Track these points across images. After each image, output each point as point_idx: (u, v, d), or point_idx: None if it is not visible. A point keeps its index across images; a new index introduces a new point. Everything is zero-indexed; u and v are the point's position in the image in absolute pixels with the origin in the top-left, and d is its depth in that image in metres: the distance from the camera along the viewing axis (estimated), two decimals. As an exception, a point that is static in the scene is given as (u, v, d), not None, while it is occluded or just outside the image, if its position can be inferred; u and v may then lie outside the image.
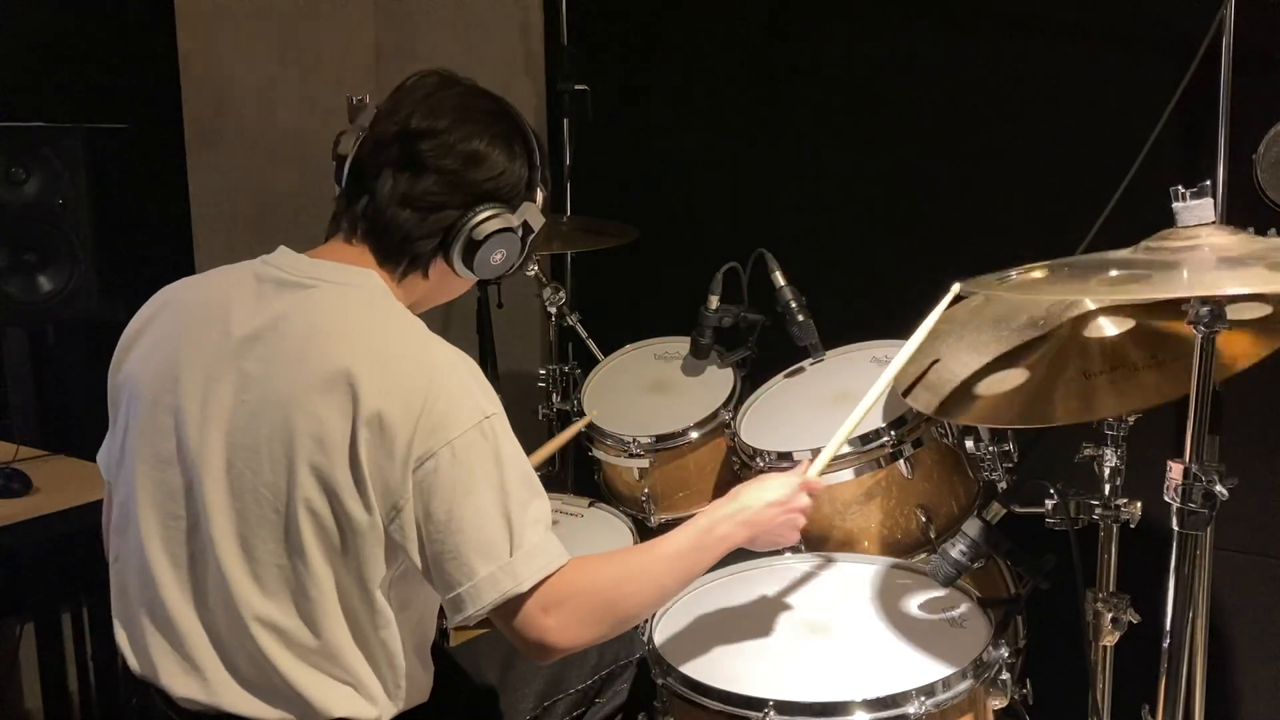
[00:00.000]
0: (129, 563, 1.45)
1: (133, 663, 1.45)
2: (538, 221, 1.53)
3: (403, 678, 1.44)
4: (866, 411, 1.73)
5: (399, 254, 1.46)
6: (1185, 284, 1.31)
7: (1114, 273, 1.37)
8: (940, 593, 1.82)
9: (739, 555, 2.12)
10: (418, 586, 1.42)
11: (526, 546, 1.34)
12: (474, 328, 2.98)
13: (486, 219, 1.46)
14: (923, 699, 1.55)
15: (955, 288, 1.75)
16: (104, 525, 1.56)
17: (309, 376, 1.33)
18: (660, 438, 2.27)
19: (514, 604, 1.35)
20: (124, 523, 1.46)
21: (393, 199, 1.44)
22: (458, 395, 1.34)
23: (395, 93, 1.50)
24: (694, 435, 2.26)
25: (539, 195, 1.54)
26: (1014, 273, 1.48)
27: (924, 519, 2.00)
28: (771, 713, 1.53)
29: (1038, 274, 1.46)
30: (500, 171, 1.47)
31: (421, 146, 1.43)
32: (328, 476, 1.32)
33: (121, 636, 1.47)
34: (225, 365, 1.38)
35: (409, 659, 1.44)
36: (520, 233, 1.51)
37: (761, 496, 1.61)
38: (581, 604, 1.39)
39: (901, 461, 1.97)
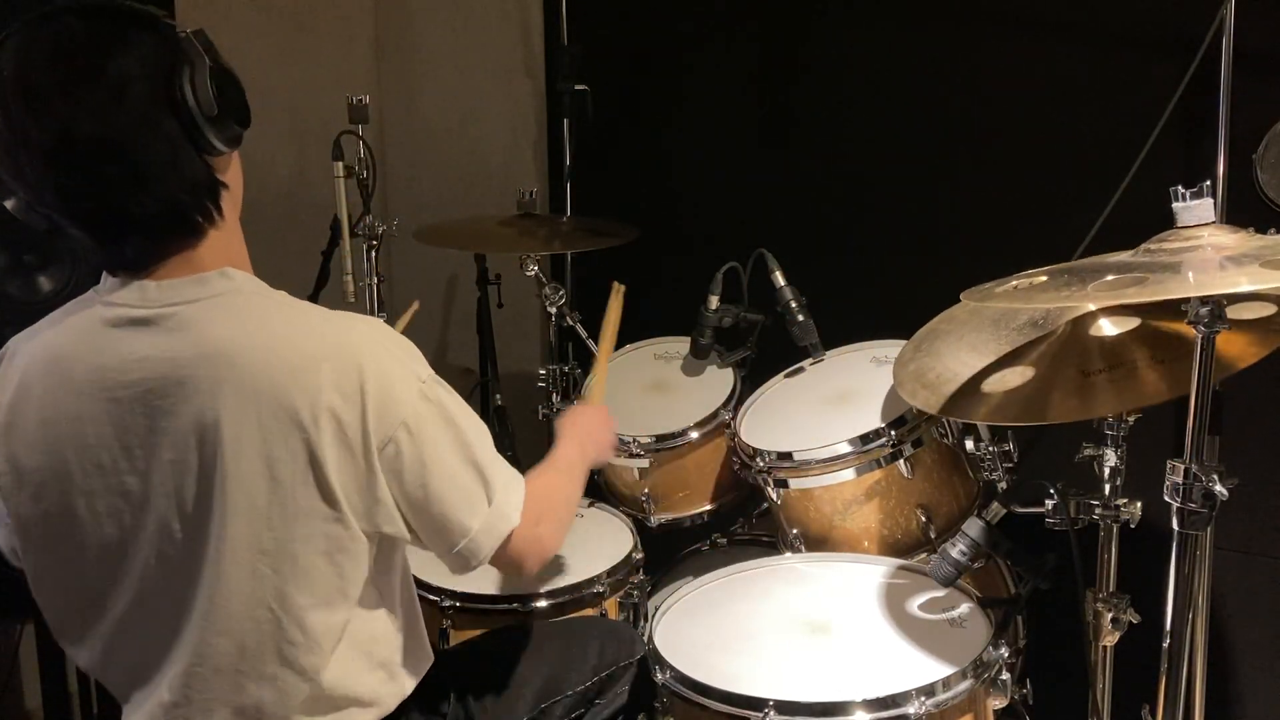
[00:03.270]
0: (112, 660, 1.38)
1: None
2: (205, 52, 1.28)
3: (398, 666, 1.45)
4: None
5: (198, 209, 1.30)
6: (1188, 285, 1.31)
7: (1111, 277, 1.37)
8: (940, 593, 1.82)
9: (739, 555, 2.12)
10: (387, 566, 1.42)
11: (501, 482, 1.40)
12: (474, 328, 2.98)
13: (192, 95, 1.25)
14: (923, 699, 1.55)
15: (618, 288, 2.11)
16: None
17: (242, 414, 1.26)
18: (660, 438, 2.27)
19: (510, 537, 1.41)
20: (92, 614, 1.36)
21: (129, 191, 1.24)
22: (391, 371, 1.31)
23: None
24: (694, 435, 2.26)
25: (175, 28, 1.29)
26: (1014, 281, 1.49)
27: (924, 519, 2.00)
28: (771, 713, 1.53)
29: (1037, 280, 1.46)
30: (142, 65, 1.23)
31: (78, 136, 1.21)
32: (296, 512, 1.29)
33: None
34: (134, 428, 1.28)
35: (401, 640, 1.45)
36: (210, 64, 1.28)
37: (591, 417, 1.83)
38: (554, 508, 1.53)
39: (901, 461, 1.97)
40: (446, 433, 1.35)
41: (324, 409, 1.26)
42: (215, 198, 1.32)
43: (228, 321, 1.29)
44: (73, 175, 1.23)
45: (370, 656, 1.40)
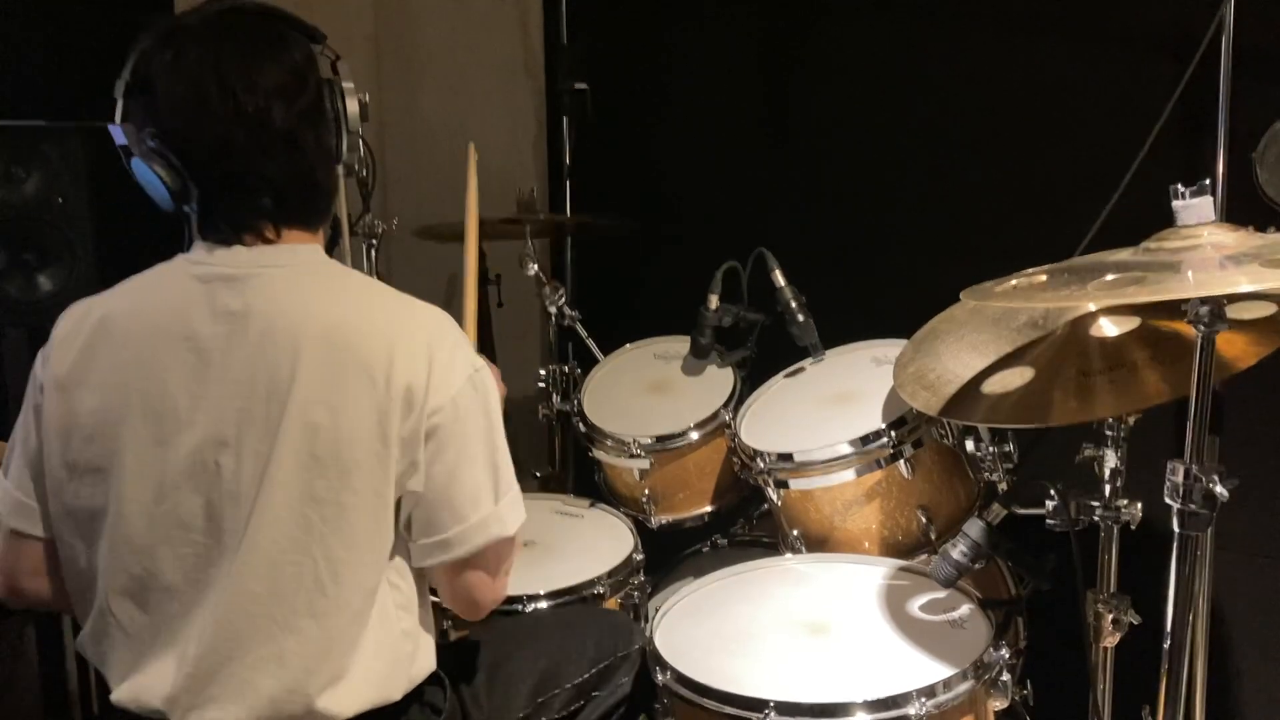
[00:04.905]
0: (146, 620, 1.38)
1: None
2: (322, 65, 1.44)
3: (414, 642, 1.47)
4: None
5: (327, 207, 1.47)
6: (1188, 284, 1.31)
7: (1111, 276, 1.37)
8: (941, 594, 1.81)
9: (739, 556, 2.12)
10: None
11: (512, 494, 1.45)
12: (474, 328, 2.98)
13: (343, 108, 1.44)
14: (923, 700, 1.55)
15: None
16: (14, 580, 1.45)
17: (315, 370, 1.33)
18: (660, 438, 2.27)
19: (495, 548, 1.43)
20: (139, 585, 1.38)
21: (288, 171, 1.39)
22: (453, 351, 1.41)
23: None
24: (694, 435, 2.26)
25: (321, 47, 1.45)
26: (1014, 281, 1.48)
27: (924, 520, 2.00)
28: (772, 713, 1.53)
29: (1037, 280, 1.46)
30: (300, 73, 1.39)
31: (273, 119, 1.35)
32: (353, 465, 1.35)
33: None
34: (204, 376, 1.35)
35: (418, 614, 1.48)
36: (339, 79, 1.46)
37: None
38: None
39: (902, 462, 1.97)
40: (481, 423, 1.42)
41: (397, 372, 1.34)
42: (333, 202, 1.45)
43: (312, 287, 1.39)
44: (254, 155, 1.35)
45: (390, 627, 1.42)
